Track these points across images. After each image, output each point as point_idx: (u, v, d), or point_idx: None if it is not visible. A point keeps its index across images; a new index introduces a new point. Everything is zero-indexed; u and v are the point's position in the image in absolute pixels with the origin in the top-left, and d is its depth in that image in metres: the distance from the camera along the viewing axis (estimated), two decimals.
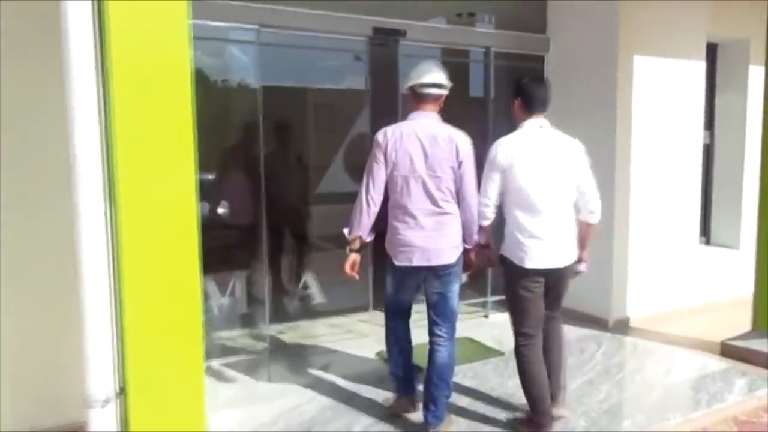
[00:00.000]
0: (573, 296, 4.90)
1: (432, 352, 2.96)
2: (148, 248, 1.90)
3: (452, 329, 2.97)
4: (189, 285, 1.99)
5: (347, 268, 2.95)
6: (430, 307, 2.96)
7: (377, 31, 4.29)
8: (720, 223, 5.70)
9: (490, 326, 4.61)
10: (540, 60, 5.05)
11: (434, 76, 2.89)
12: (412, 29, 4.42)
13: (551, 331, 3.01)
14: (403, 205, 2.86)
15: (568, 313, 4.86)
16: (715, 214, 5.72)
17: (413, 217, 2.84)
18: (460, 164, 2.84)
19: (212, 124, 4.29)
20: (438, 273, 2.88)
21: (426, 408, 2.96)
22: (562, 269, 2.86)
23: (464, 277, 3.09)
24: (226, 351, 4.03)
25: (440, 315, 2.93)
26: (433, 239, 2.84)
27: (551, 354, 3.00)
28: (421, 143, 2.82)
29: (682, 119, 5.00)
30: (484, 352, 4.11)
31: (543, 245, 2.80)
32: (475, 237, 2.96)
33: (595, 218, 2.91)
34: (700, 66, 5.06)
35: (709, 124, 5.58)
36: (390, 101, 4.36)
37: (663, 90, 4.85)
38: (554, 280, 2.89)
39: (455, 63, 5.22)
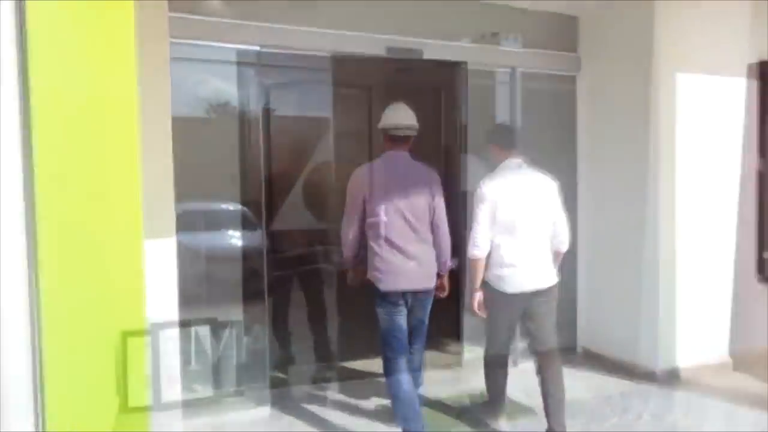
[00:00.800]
0: (613, 342, 4.51)
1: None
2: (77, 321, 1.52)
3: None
4: (135, 365, 1.62)
5: (349, 279, 3.42)
6: (409, 330, 3.23)
7: (391, 50, 3.97)
8: None
9: (518, 375, 4.06)
10: (571, 81, 4.67)
11: (406, 120, 3.17)
12: (429, 48, 4.09)
13: (550, 371, 3.18)
14: (384, 235, 3.08)
15: (607, 362, 4.47)
16: None
17: (394, 245, 3.08)
18: (432, 197, 3.15)
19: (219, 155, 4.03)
20: (419, 297, 3.16)
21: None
22: (541, 291, 3.13)
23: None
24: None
25: (416, 334, 3.28)
26: (414, 266, 3.10)
27: (551, 393, 3.17)
28: (397, 179, 3.12)
29: (732, 144, 4.52)
30: (510, 410, 3.64)
31: (520, 272, 3.11)
32: (449, 263, 3.26)
33: (565, 247, 3.28)
34: (752, 85, 4.58)
35: (764, 149, 5.04)
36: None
37: (709, 111, 4.39)
38: (537, 303, 3.15)
39: (477, 85, 4.86)
